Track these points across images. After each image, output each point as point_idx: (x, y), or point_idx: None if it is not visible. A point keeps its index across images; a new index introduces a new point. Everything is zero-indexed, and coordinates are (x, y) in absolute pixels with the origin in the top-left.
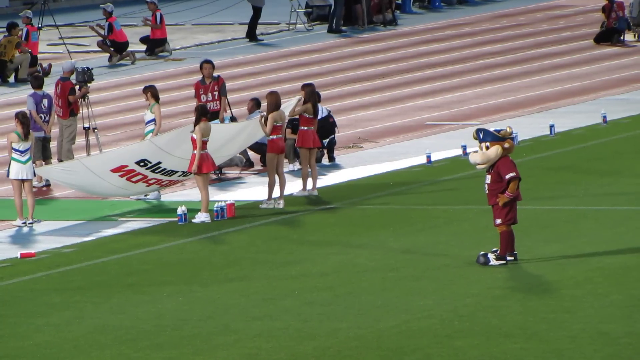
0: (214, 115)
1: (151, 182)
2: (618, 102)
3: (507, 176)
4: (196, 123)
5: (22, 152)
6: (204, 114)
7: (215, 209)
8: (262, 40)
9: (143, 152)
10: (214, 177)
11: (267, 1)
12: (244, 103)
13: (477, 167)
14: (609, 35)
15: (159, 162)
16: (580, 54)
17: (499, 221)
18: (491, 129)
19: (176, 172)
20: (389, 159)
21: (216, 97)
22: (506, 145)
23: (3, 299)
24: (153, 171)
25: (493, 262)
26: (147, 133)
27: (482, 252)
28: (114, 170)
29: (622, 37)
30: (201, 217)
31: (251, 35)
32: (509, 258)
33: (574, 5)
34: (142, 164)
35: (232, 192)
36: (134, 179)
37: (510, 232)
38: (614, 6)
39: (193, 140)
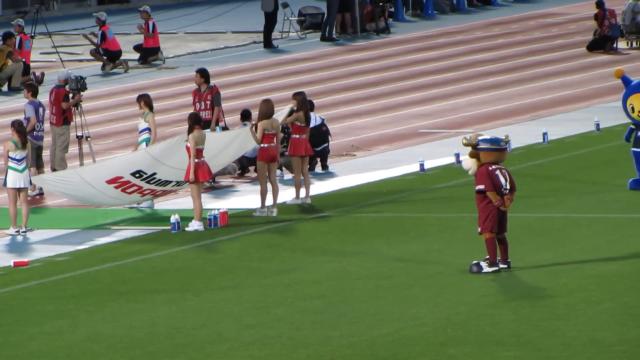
0: (206, 124)
1: (145, 192)
2: (611, 109)
3: (476, 188)
4: (189, 131)
5: (18, 160)
6: (197, 122)
7: (208, 217)
8: (277, 46)
9: (138, 162)
10: (207, 185)
11: (259, 10)
12: (237, 111)
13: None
14: (601, 42)
15: (154, 173)
16: (573, 61)
17: (478, 229)
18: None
19: (170, 182)
20: (382, 167)
21: (208, 107)
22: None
23: None
24: (148, 182)
25: (486, 269)
26: (141, 142)
27: (475, 262)
28: (110, 182)
29: (615, 45)
30: (194, 225)
31: (265, 43)
32: (502, 266)
33: (567, 13)
34: (137, 175)
35: (225, 200)
36: (128, 190)
37: (491, 239)
38: (607, 14)
39: (188, 149)
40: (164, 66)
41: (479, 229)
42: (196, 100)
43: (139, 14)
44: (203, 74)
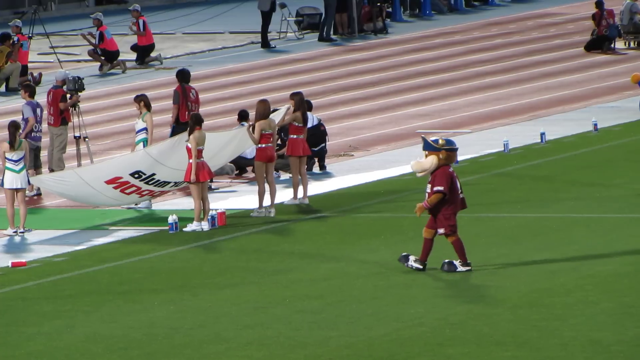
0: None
1: (144, 193)
2: (609, 109)
3: (435, 188)
4: (190, 132)
5: (15, 161)
6: (198, 123)
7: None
8: (274, 46)
9: (138, 163)
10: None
11: (257, 10)
12: (234, 112)
13: (416, 175)
14: (599, 42)
15: (153, 174)
16: (571, 61)
17: (441, 231)
18: (431, 139)
19: (169, 182)
20: (380, 167)
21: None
22: (441, 155)
23: None
24: (147, 183)
25: (460, 268)
26: (138, 142)
27: (447, 260)
28: (108, 182)
29: (612, 45)
30: (192, 226)
31: (263, 43)
32: (440, 231)
33: (565, 13)
34: (136, 175)
35: (223, 200)
36: (127, 191)
37: (458, 240)
38: (604, 14)
39: (188, 149)
40: (162, 67)
41: (444, 230)
42: None
43: (130, 13)
44: (176, 75)
